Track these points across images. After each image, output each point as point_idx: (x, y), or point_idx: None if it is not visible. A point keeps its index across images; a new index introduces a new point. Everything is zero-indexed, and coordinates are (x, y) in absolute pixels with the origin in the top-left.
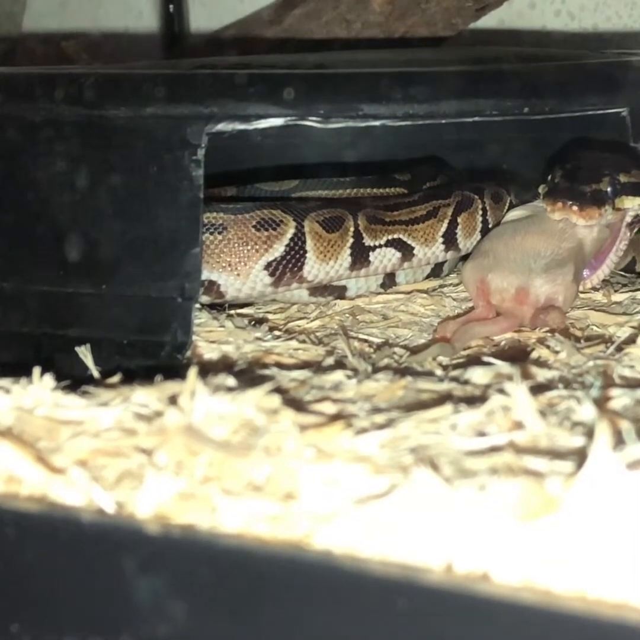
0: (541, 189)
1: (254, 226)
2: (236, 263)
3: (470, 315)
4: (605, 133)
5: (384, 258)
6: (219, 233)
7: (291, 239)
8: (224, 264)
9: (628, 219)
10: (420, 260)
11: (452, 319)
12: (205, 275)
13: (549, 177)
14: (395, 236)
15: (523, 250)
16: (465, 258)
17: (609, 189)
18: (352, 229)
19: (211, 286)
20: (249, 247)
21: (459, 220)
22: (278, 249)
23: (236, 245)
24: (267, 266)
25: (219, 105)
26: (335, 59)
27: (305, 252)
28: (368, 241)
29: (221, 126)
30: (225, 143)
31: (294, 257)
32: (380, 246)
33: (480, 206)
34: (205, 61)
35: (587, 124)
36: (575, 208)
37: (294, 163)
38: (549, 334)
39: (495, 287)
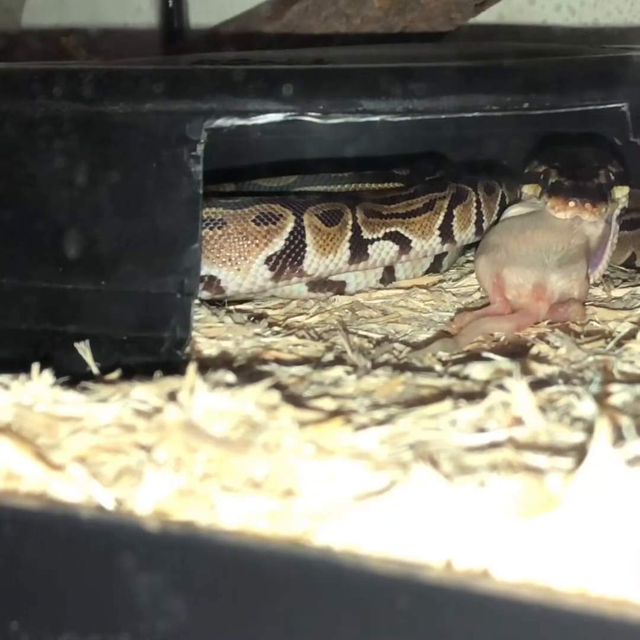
0: (530, 189)
1: (253, 220)
2: (236, 258)
3: (486, 309)
4: (605, 128)
5: (382, 251)
6: (219, 228)
7: (291, 233)
8: (224, 259)
9: (617, 211)
10: (417, 253)
11: (469, 311)
12: (205, 270)
13: (542, 177)
14: (393, 229)
15: (535, 245)
16: (464, 254)
17: (604, 182)
18: (350, 222)
19: (211, 281)
20: (249, 242)
21: (454, 212)
22: (278, 243)
23: (236, 240)
24: (267, 260)
25: (218, 101)
26: (334, 54)
27: (305, 246)
28: (366, 234)
29: (220, 122)
30: (225, 139)
31: (293, 251)
32: (378, 239)
33: (474, 198)
34: (205, 57)
35: (587, 119)
36: (588, 205)
37: (293, 159)
38: (549, 330)
39: (511, 282)
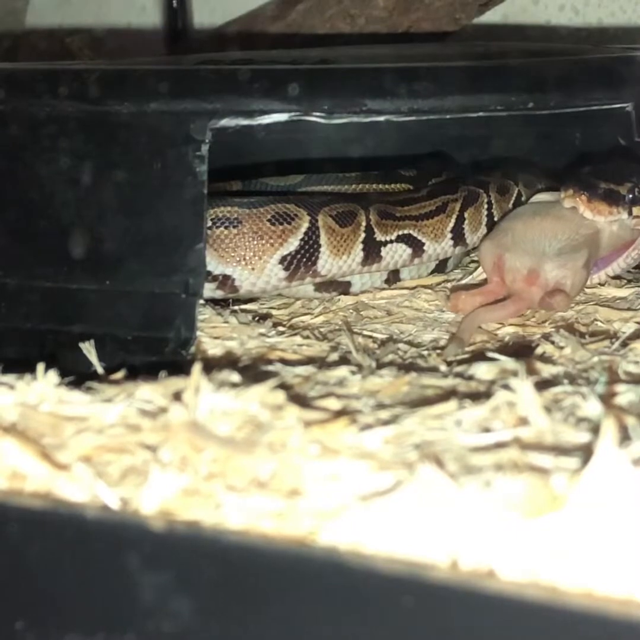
0: None
1: (268, 220)
2: (251, 257)
3: (482, 288)
4: (610, 128)
5: (395, 254)
6: (234, 227)
7: (305, 233)
8: (238, 258)
9: None
10: (430, 256)
11: (465, 290)
12: (220, 269)
13: (578, 173)
14: (406, 231)
15: (541, 232)
16: (468, 255)
17: (628, 195)
18: (364, 223)
19: (225, 281)
20: (264, 241)
21: (465, 215)
22: (293, 243)
23: (251, 239)
24: (282, 260)
25: (222, 101)
26: (338, 54)
27: (319, 246)
28: (379, 236)
29: (225, 122)
30: (229, 138)
31: (308, 252)
32: (391, 242)
33: (485, 200)
34: (209, 57)
35: (591, 119)
36: (583, 198)
37: (298, 158)
38: (553, 330)
39: (510, 266)
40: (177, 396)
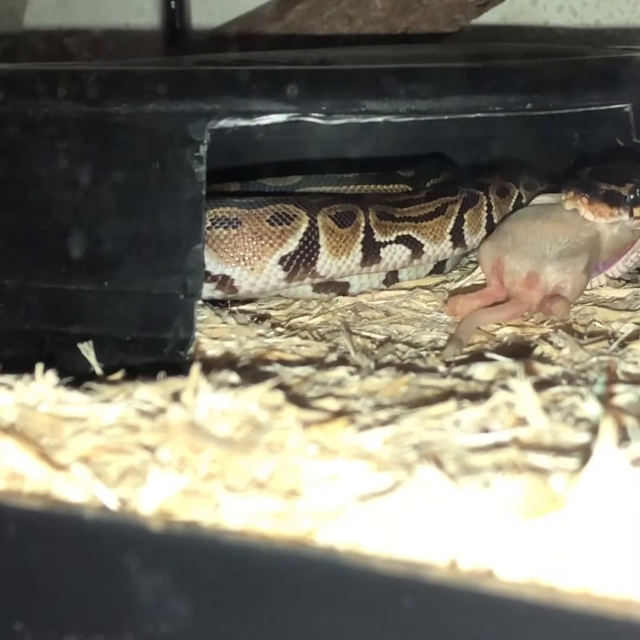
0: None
1: (268, 220)
2: (250, 257)
3: (480, 292)
4: (608, 129)
5: (394, 255)
6: (233, 227)
7: (305, 234)
8: (237, 259)
9: None
10: (429, 258)
11: (462, 294)
12: (219, 270)
13: (579, 174)
14: (405, 233)
15: (541, 234)
16: (467, 255)
17: (629, 196)
18: (363, 224)
19: (225, 281)
20: (263, 242)
21: (465, 217)
22: (292, 244)
23: (250, 239)
24: (281, 260)
25: (221, 101)
26: (337, 55)
27: (319, 247)
28: (379, 237)
29: (223, 123)
30: (227, 139)
31: (307, 252)
32: (390, 242)
33: (485, 202)
34: (207, 58)
35: (590, 120)
36: (584, 199)
37: (296, 159)
38: (552, 330)
39: (509, 269)
40: (175, 397)
